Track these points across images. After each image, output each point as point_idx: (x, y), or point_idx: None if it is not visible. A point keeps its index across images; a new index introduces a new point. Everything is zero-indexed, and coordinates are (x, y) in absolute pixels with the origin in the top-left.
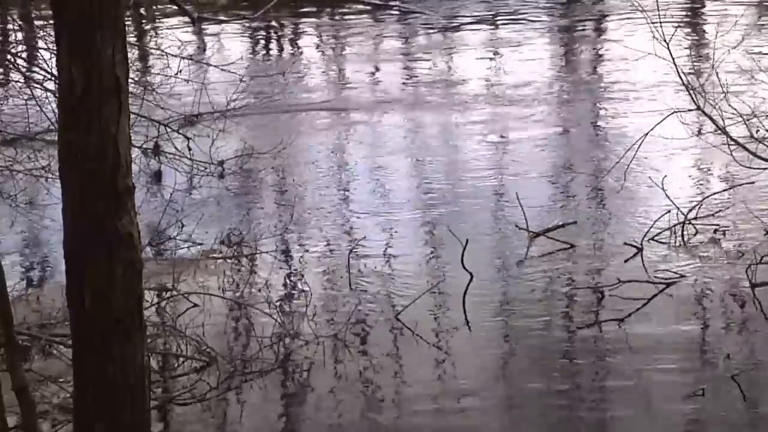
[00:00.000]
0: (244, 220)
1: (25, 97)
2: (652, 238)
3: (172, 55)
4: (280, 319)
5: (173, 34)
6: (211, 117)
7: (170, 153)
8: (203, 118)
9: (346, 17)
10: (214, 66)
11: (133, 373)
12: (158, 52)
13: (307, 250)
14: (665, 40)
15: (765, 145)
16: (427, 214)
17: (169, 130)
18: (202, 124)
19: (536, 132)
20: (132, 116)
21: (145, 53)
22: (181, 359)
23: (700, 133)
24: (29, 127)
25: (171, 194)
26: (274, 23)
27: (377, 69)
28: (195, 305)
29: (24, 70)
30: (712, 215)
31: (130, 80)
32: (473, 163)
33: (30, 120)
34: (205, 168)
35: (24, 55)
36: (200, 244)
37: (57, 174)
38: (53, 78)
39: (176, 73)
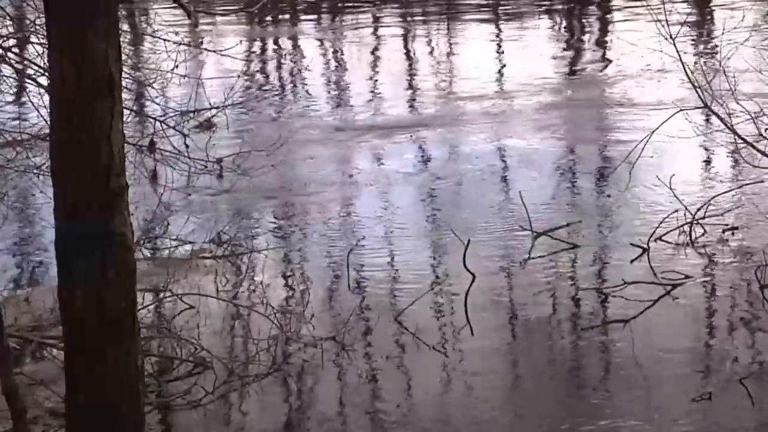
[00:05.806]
0: (242, 219)
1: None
2: (659, 238)
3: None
4: (278, 321)
5: (171, 30)
6: (210, 115)
7: (166, 151)
8: (201, 115)
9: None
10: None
11: (127, 376)
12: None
13: (306, 250)
14: (671, 37)
15: None
16: (428, 214)
17: (165, 126)
18: (199, 121)
19: (539, 131)
20: (126, 112)
21: (140, 48)
22: (176, 362)
23: (707, 131)
24: (21, 125)
25: (163, 193)
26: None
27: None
28: (190, 307)
29: (16, 64)
30: (720, 215)
31: (123, 76)
32: (475, 163)
33: (23, 117)
34: (204, 167)
35: (16, 48)
36: (192, 243)
37: (49, 172)
38: (46, 73)
39: (173, 69)
